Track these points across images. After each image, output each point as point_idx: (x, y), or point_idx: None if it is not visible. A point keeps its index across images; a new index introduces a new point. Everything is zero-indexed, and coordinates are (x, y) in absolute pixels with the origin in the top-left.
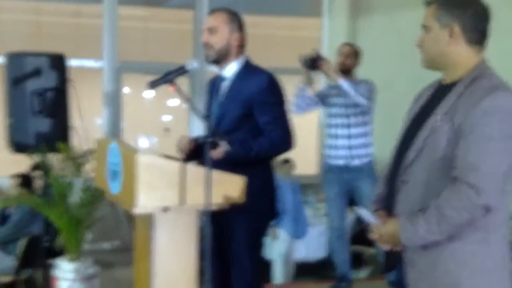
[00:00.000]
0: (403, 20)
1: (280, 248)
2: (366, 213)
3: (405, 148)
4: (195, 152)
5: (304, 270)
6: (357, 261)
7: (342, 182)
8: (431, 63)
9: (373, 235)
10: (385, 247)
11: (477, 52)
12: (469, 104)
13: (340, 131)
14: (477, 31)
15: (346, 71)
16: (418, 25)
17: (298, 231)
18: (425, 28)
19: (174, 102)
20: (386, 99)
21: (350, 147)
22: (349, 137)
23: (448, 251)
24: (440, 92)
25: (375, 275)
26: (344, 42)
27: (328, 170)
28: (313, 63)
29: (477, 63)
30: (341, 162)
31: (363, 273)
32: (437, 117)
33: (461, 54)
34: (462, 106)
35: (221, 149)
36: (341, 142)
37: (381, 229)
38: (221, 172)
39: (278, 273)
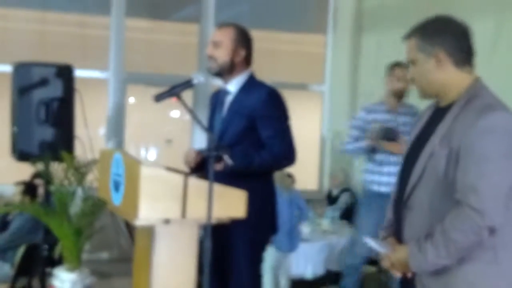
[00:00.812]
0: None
1: (269, 261)
2: (374, 244)
3: (407, 173)
4: (201, 165)
5: (302, 286)
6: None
7: (382, 210)
8: (426, 94)
9: (384, 264)
10: (397, 274)
11: (468, 72)
12: (465, 125)
13: (385, 158)
14: (462, 51)
15: (401, 95)
16: None
17: (287, 246)
18: (412, 62)
19: (177, 113)
20: None
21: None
22: (395, 164)
23: (459, 274)
24: (437, 115)
25: None
26: (394, 62)
27: (369, 196)
28: (391, 136)
29: (470, 83)
30: (383, 189)
31: None
32: (435, 142)
33: (452, 78)
34: (459, 128)
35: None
36: (386, 168)
37: (391, 257)
38: (223, 186)
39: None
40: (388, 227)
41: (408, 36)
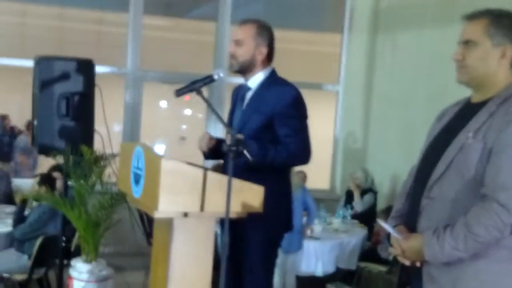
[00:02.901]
0: (422, 38)
1: None
2: (388, 227)
3: (430, 164)
4: (215, 151)
5: (313, 284)
6: (363, 278)
7: None
8: (472, 81)
9: (394, 250)
10: (406, 262)
11: None
12: (502, 123)
13: None
14: None
15: None
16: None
17: (296, 245)
18: (471, 42)
19: (190, 111)
20: (404, 116)
21: None
22: None
23: (472, 269)
24: (468, 110)
25: None
26: None
27: None
28: None
29: (509, 82)
30: None
31: None
32: (468, 135)
33: (502, 75)
34: (495, 125)
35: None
36: None
37: (403, 244)
38: (241, 181)
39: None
40: (397, 217)
41: (475, 16)
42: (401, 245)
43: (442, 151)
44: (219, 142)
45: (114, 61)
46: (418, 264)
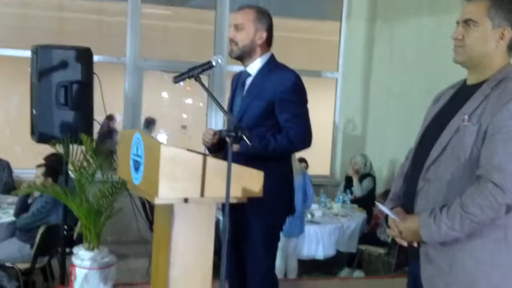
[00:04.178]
0: (420, 25)
1: None
2: (386, 209)
3: (426, 147)
4: (218, 145)
5: (313, 267)
6: (364, 260)
7: None
8: (469, 61)
9: (392, 231)
10: (403, 243)
11: (508, 58)
12: (496, 105)
13: None
14: None
15: None
16: (435, 31)
17: (297, 230)
18: (471, 22)
19: (191, 100)
20: (402, 102)
21: None
22: None
23: (467, 249)
24: (464, 92)
25: (380, 274)
26: None
27: None
28: None
29: (504, 65)
30: None
31: (359, 272)
32: (463, 117)
33: (499, 56)
34: (490, 107)
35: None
36: None
37: (401, 225)
38: (241, 166)
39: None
40: (395, 199)
41: None
42: (398, 226)
43: (438, 133)
44: (220, 134)
45: (114, 50)
46: (415, 244)
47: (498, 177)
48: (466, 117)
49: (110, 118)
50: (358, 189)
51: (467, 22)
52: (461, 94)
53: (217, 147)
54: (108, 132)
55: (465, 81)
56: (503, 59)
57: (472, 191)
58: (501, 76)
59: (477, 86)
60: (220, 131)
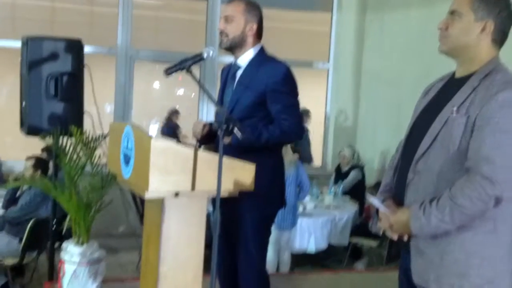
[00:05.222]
0: (410, 17)
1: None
2: (377, 202)
3: (416, 139)
4: (208, 137)
5: (305, 260)
6: (356, 252)
7: None
8: (453, 51)
9: (382, 224)
10: (394, 236)
11: (495, 51)
12: (484, 97)
13: None
14: (503, 33)
15: None
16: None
17: (289, 223)
18: (456, 13)
19: (183, 91)
20: (393, 93)
21: None
22: None
23: (458, 241)
24: (452, 85)
25: (373, 266)
26: None
27: None
28: None
29: (492, 58)
30: None
31: (361, 263)
32: (452, 109)
33: (482, 49)
34: (478, 99)
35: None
36: None
37: (391, 218)
38: (232, 159)
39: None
40: (385, 191)
41: None
42: (388, 219)
43: (427, 125)
44: (211, 126)
45: (106, 41)
46: (405, 238)
47: (487, 169)
48: (454, 109)
49: (173, 113)
50: (347, 183)
51: (453, 13)
52: (450, 87)
53: (207, 139)
54: (171, 127)
55: (454, 73)
56: (490, 52)
57: (461, 183)
58: (488, 69)
59: (466, 78)
60: (211, 123)
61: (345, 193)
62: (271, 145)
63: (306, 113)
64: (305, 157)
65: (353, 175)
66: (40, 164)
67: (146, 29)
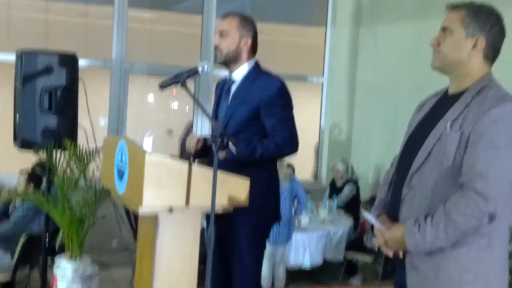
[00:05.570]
0: (404, 31)
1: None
2: (371, 218)
3: (410, 154)
4: (202, 152)
5: (301, 275)
6: (352, 267)
7: None
8: (445, 67)
9: (377, 240)
10: (389, 252)
11: (487, 67)
12: (478, 113)
13: None
14: (495, 49)
15: None
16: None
17: (285, 237)
18: (447, 30)
19: (178, 104)
20: (387, 107)
21: None
22: None
23: (452, 257)
24: (446, 101)
25: (368, 282)
26: None
27: None
28: None
29: (484, 75)
30: None
31: (357, 279)
32: (446, 125)
33: (475, 66)
34: (471, 115)
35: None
36: None
37: (386, 234)
38: (227, 174)
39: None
40: (380, 207)
41: (456, 6)
42: (383, 235)
43: (421, 141)
44: (206, 140)
45: (100, 54)
46: (401, 254)
47: (480, 186)
48: (448, 124)
49: (191, 127)
50: (342, 198)
51: (444, 29)
52: (444, 103)
53: (202, 153)
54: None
55: (447, 89)
56: (482, 68)
57: (455, 199)
58: (480, 85)
59: (459, 95)
60: (205, 138)
61: (339, 207)
62: (266, 159)
63: None
64: None
65: (348, 190)
66: (33, 178)
67: (141, 42)
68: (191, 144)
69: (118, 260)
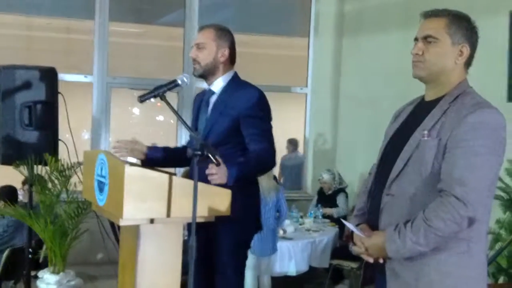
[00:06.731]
0: (386, 41)
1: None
2: (351, 226)
3: (388, 163)
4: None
5: (286, 283)
6: (338, 275)
7: None
8: (429, 75)
9: (358, 248)
10: (369, 259)
11: (465, 74)
12: (455, 120)
13: None
14: (472, 56)
15: None
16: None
17: (270, 249)
18: (431, 39)
19: (162, 117)
20: (371, 116)
21: None
22: None
23: (433, 262)
24: (422, 108)
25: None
26: None
27: None
28: None
29: (461, 81)
30: None
31: (343, 286)
32: (423, 132)
33: (457, 72)
34: (448, 122)
35: (223, 173)
36: None
37: (366, 242)
38: (207, 185)
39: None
40: (359, 215)
41: (435, 14)
42: (364, 243)
43: (399, 149)
44: (151, 149)
45: (82, 69)
46: (381, 260)
47: (459, 191)
48: (425, 132)
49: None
50: (340, 209)
51: (426, 38)
52: (420, 110)
53: (149, 161)
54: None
55: (423, 97)
56: (460, 75)
57: (435, 205)
58: (458, 91)
59: (435, 101)
60: (186, 148)
61: (325, 216)
62: (260, 172)
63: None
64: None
65: (342, 200)
66: (6, 195)
67: (123, 56)
68: (121, 144)
69: (104, 272)
